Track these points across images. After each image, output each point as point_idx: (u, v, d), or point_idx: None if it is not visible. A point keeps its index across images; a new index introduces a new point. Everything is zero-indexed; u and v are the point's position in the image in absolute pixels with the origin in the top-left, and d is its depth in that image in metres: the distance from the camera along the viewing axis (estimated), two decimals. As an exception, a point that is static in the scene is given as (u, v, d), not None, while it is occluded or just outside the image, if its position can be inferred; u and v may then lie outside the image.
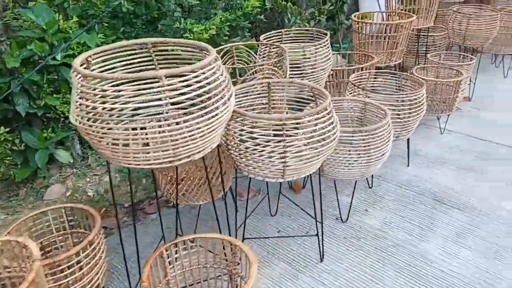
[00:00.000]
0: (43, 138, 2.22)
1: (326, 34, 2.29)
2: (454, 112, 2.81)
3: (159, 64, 1.44)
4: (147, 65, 1.43)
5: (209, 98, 1.15)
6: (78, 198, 2.29)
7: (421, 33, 3.28)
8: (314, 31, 2.44)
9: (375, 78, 2.48)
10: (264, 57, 2.21)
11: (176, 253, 1.41)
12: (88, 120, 1.13)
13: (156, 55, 1.41)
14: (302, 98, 1.80)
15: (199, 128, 1.14)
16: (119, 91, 1.09)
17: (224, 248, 1.42)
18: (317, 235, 1.87)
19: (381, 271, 1.74)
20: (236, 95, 1.77)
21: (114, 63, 1.34)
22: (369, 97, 2.20)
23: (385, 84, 2.49)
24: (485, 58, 4.06)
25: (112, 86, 1.20)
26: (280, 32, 2.43)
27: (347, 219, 2.05)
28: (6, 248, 1.13)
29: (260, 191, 2.28)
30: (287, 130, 1.40)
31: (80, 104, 1.13)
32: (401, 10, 2.92)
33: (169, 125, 1.08)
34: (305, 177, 2.27)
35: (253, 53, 2.20)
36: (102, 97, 1.11)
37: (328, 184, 2.29)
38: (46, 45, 2.12)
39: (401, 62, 2.89)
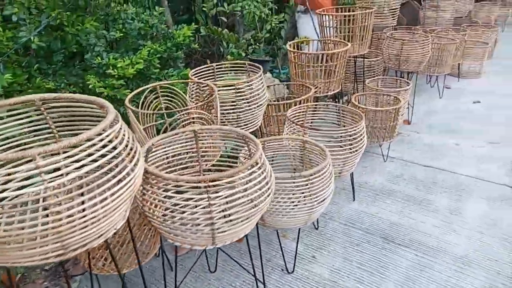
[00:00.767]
0: None
1: (259, 68, 2.15)
2: (395, 137, 2.76)
3: (54, 123, 1.20)
4: (40, 125, 1.19)
5: (106, 173, 0.93)
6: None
7: (357, 59, 3.26)
8: (247, 64, 2.29)
9: (314, 110, 2.36)
10: (193, 95, 2.02)
11: None
12: None
13: (48, 113, 1.18)
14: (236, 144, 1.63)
15: (96, 211, 0.92)
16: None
17: None
18: (260, 295, 1.67)
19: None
20: (160, 145, 1.56)
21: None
22: (307, 134, 2.07)
23: (325, 116, 2.39)
24: (421, 77, 4.15)
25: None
26: (212, 66, 2.26)
27: (293, 270, 1.87)
28: None
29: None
30: (211, 193, 1.21)
31: None
32: (336, 37, 2.87)
33: (47, 215, 0.85)
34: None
35: (181, 93, 2.00)
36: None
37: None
38: None
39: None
